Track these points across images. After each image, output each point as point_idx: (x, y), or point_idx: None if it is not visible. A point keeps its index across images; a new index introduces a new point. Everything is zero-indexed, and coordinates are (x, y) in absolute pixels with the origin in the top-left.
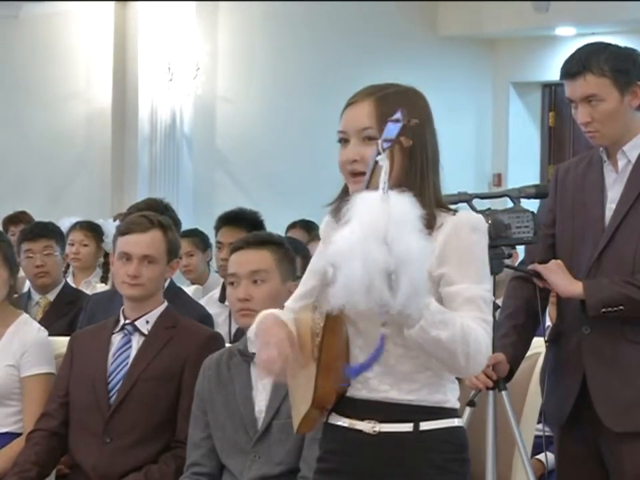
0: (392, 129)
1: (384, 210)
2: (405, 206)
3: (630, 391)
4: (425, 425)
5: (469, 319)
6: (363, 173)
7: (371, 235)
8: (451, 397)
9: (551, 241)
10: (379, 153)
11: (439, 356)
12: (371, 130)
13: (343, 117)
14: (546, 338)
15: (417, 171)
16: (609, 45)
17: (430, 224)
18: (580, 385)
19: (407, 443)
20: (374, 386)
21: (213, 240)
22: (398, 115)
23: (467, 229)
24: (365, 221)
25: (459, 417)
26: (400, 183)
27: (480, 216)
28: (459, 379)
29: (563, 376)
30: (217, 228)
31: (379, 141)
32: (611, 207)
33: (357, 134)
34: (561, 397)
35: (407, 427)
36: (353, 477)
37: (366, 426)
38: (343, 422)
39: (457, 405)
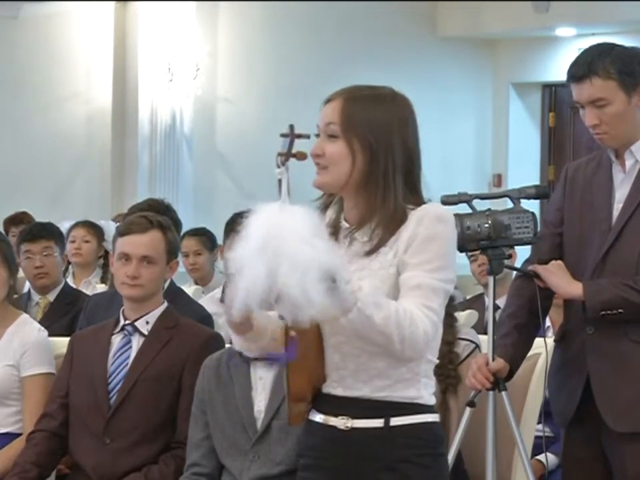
0: (284, 143)
1: (278, 222)
2: (299, 218)
3: (632, 391)
4: (395, 421)
5: (409, 304)
6: (325, 167)
7: (262, 247)
8: (424, 392)
9: (558, 240)
10: (278, 167)
11: (375, 339)
12: (333, 126)
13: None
14: (547, 338)
15: (380, 175)
16: (615, 46)
17: (394, 225)
18: (584, 385)
19: (378, 439)
20: (350, 384)
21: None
22: (287, 130)
23: (431, 218)
24: (257, 234)
25: (434, 412)
26: (361, 187)
27: (448, 209)
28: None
29: (568, 376)
30: (230, 230)
31: (276, 156)
32: (618, 207)
33: (323, 129)
34: (565, 396)
35: (378, 422)
36: (328, 472)
37: (339, 422)
38: (319, 418)
39: (431, 401)
